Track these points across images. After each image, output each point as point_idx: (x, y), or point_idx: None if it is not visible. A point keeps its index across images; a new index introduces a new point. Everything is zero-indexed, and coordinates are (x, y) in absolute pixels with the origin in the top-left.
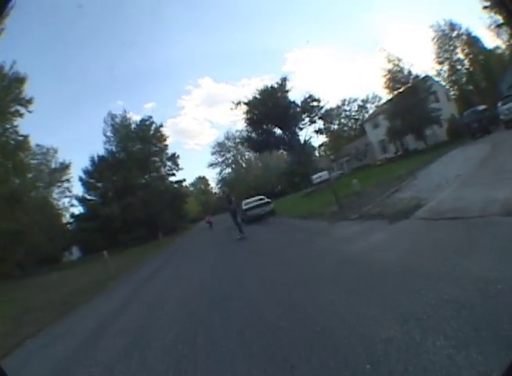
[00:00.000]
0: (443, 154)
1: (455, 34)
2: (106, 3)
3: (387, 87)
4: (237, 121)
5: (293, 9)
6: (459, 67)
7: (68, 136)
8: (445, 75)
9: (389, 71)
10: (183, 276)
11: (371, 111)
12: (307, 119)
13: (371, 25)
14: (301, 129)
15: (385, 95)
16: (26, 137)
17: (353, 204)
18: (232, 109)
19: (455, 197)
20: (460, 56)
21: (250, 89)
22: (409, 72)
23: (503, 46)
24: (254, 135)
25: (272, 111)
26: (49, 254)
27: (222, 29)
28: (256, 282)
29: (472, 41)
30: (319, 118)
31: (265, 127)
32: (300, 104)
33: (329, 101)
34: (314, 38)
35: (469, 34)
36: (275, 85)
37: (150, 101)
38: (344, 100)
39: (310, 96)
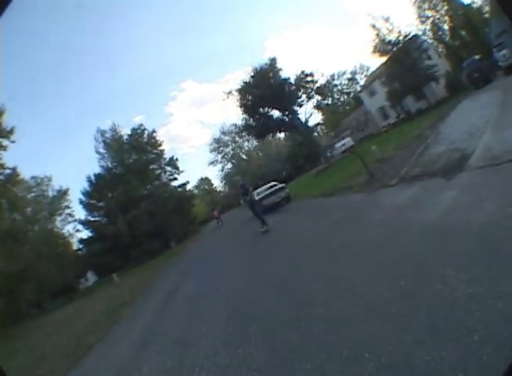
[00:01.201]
0: (453, 108)
1: None
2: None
3: (378, 51)
4: (229, 117)
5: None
6: (441, 25)
7: (60, 162)
8: (430, 34)
9: (378, 34)
10: (206, 294)
11: (362, 82)
12: (304, 96)
13: None
14: (300, 106)
15: (374, 63)
16: (14, 169)
17: (383, 171)
18: (224, 99)
19: (499, 140)
20: (442, 12)
21: (236, 82)
22: (399, 31)
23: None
24: (251, 121)
25: (267, 92)
26: (64, 285)
27: (194, 30)
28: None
29: None
30: (316, 93)
31: (261, 111)
32: (293, 82)
33: (323, 74)
34: (289, 22)
35: None
36: (265, 66)
37: (138, 114)
38: (333, 75)
39: (302, 72)
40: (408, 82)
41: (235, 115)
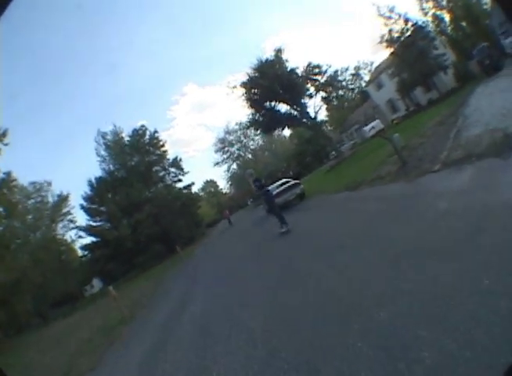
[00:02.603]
0: (469, 95)
1: None
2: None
3: (386, 41)
4: (232, 119)
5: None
6: (442, 17)
7: (60, 167)
8: (433, 26)
9: (385, 23)
10: (217, 317)
11: (366, 78)
12: (312, 88)
13: None
14: (310, 97)
15: (377, 58)
16: (9, 174)
17: (414, 157)
18: (228, 94)
19: None
20: (443, 4)
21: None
22: (406, 20)
23: None
24: (258, 116)
25: (274, 84)
26: (67, 293)
27: (194, 33)
28: None
29: None
30: (325, 85)
31: (268, 105)
32: (300, 74)
33: (330, 66)
34: (287, 22)
35: None
36: (271, 58)
37: (140, 119)
38: (337, 71)
39: (309, 64)
40: (418, 71)
41: (238, 116)
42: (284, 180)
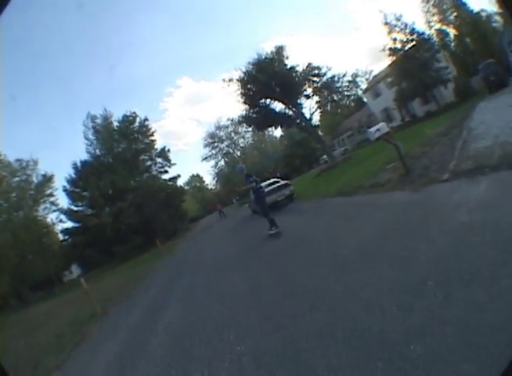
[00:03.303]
0: (472, 109)
1: None
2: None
3: (389, 49)
4: (224, 115)
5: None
6: (448, 32)
7: (48, 147)
8: (436, 40)
9: (390, 31)
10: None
11: (363, 86)
12: (309, 90)
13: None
14: (307, 98)
15: (376, 67)
16: None
17: (419, 166)
18: (223, 87)
19: None
20: (451, 18)
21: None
22: (412, 29)
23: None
24: (252, 112)
25: (271, 81)
26: (47, 276)
27: (193, 29)
28: None
29: (459, 5)
30: (323, 87)
31: (263, 102)
32: (300, 74)
33: (330, 68)
34: (289, 24)
35: None
36: (270, 55)
37: (133, 108)
38: (334, 76)
39: (309, 65)
40: (419, 82)
41: (230, 114)
42: (273, 180)
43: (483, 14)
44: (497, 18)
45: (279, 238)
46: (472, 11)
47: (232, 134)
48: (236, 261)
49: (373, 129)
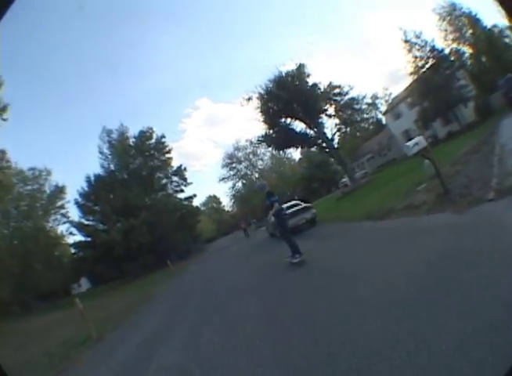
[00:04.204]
0: (496, 126)
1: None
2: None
3: (411, 67)
4: (242, 137)
5: (282, 21)
6: (464, 50)
7: (64, 158)
8: (454, 58)
9: (410, 48)
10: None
11: (382, 108)
12: (331, 109)
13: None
14: (330, 117)
15: (395, 89)
16: (3, 152)
17: (458, 185)
18: (242, 105)
19: None
20: (467, 35)
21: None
22: (433, 47)
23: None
24: (271, 132)
25: (292, 98)
26: (54, 287)
27: (211, 50)
28: None
29: (474, 22)
30: (346, 107)
31: (284, 122)
32: (321, 93)
33: (352, 87)
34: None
35: (470, 15)
36: (291, 72)
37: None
38: (353, 99)
39: (330, 83)
40: (441, 101)
41: (248, 135)
42: (294, 202)
43: (495, 30)
44: (509, 32)
45: (304, 268)
46: (486, 27)
47: (251, 155)
48: (251, 301)
49: (411, 143)
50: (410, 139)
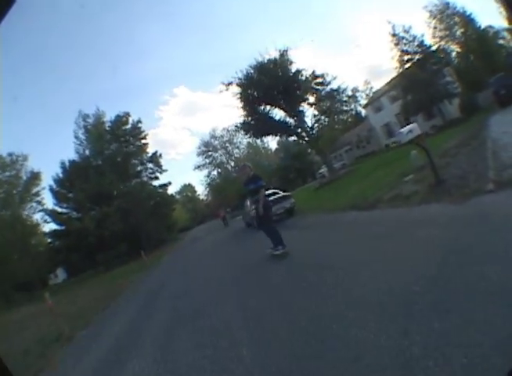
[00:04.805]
0: (486, 121)
1: (449, 12)
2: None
3: (397, 60)
4: (219, 127)
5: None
6: (451, 49)
7: (39, 143)
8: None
9: (398, 42)
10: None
11: (362, 101)
12: (312, 98)
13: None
14: (311, 105)
15: (378, 82)
16: None
17: (452, 176)
18: (221, 91)
19: None
20: (458, 34)
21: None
22: (421, 42)
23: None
24: (250, 119)
25: (273, 85)
26: (31, 277)
27: (194, 38)
28: None
29: (467, 21)
30: (327, 97)
31: (263, 108)
32: (303, 81)
33: (335, 77)
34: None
35: (464, 14)
36: (273, 59)
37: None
38: (338, 87)
39: (313, 72)
40: (426, 95)
41: (226, 124)
42: (272, 191)
43: (490, 30)
44: (505, 34)
45: (288, 260)
46: (480, 27)
47: (227, 144)
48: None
49: (404, 130)
50: (407, 125)
